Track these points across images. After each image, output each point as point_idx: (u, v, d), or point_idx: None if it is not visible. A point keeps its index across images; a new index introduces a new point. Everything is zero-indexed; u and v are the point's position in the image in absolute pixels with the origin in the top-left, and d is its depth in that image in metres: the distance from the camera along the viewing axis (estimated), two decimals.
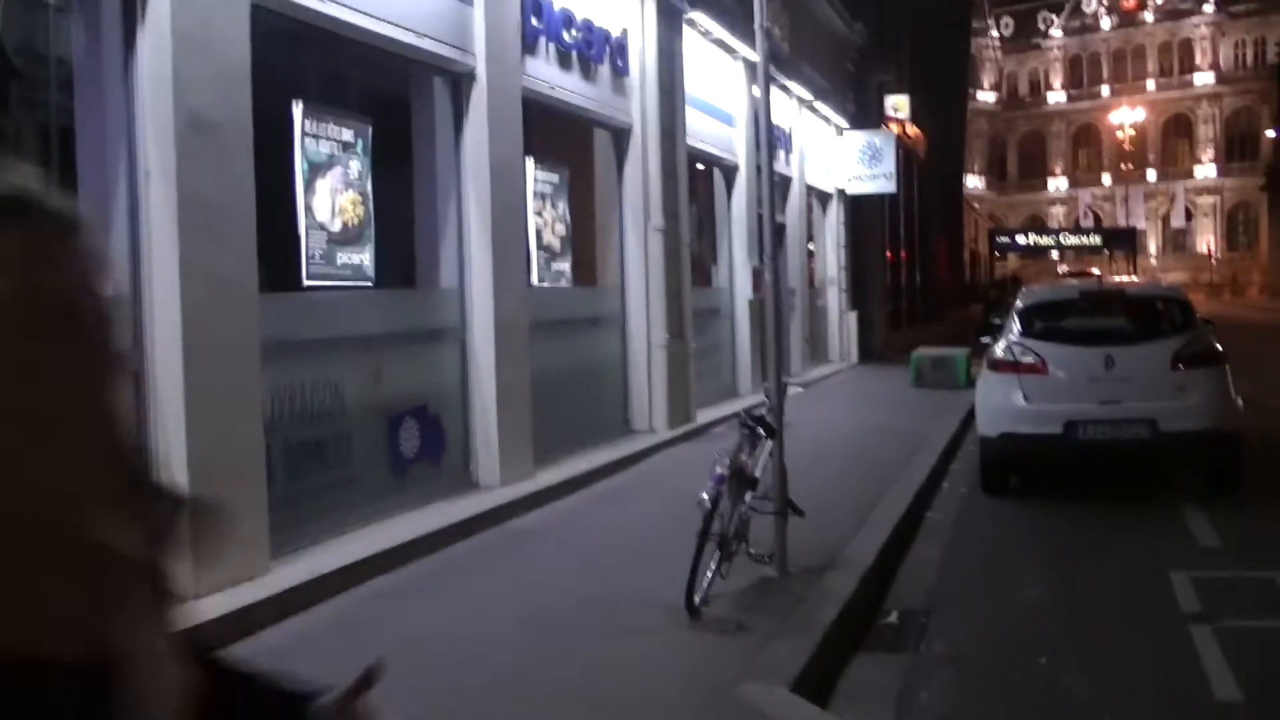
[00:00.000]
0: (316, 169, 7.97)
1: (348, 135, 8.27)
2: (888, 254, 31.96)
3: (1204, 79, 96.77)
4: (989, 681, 6.30)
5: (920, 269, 41.29)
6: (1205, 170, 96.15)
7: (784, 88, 20.45)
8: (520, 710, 5.40)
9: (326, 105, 8.22)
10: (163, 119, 6.40)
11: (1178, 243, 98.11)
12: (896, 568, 8.67)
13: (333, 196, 8.11)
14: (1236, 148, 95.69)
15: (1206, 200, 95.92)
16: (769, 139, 8.31)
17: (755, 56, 12.11)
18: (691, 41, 15.29)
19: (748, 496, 7.32)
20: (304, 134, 7.84)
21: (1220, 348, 10.94)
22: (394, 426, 9.03)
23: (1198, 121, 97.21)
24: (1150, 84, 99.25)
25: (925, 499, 10.99)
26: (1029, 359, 10.85)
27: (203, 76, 6.61)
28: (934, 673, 6.41)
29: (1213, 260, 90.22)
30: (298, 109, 7.81)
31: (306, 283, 7.94)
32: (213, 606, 6.40)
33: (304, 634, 6.53)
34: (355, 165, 8.36)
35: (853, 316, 26.18)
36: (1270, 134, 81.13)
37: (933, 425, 15.11)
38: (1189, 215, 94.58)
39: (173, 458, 6.47)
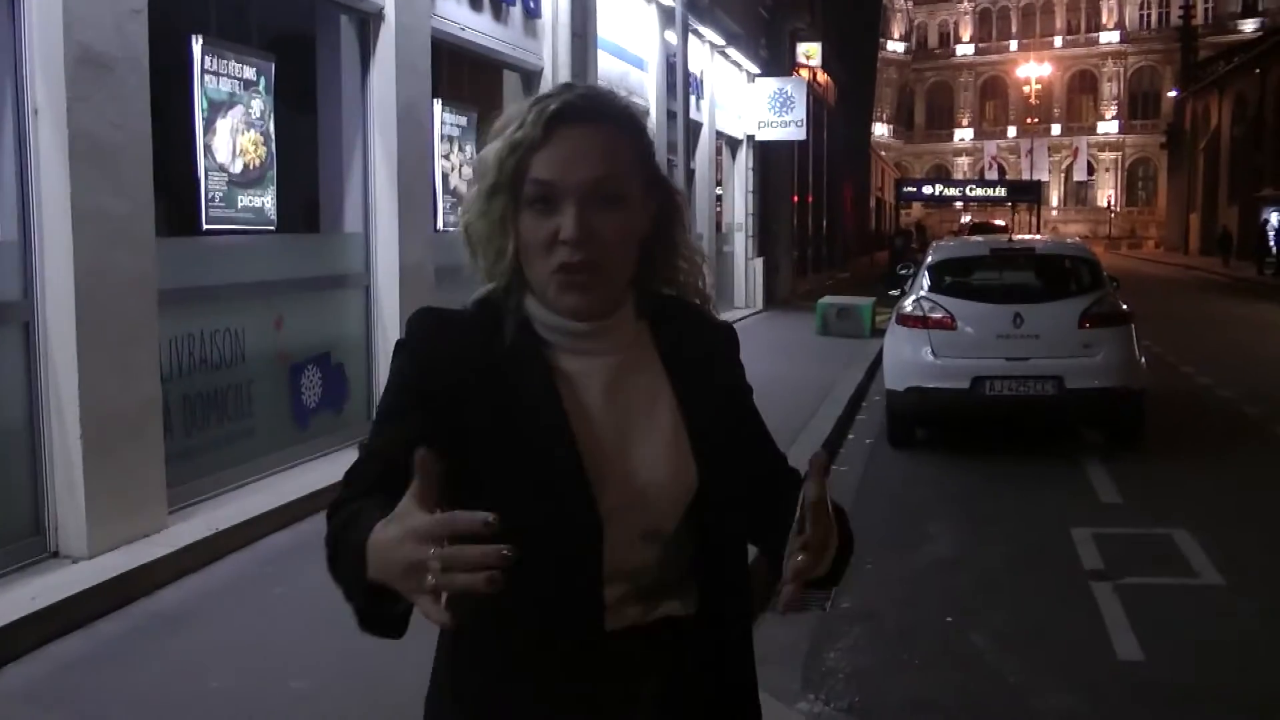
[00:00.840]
0: (216, 108, 7.68)
1: (249, 73, 7.98)
2: (794, 198, 32.01)
3: (1109, 37, 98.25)
4: (896, 640, 6.30)
5: (828, 216, 41.51)
6: (1108, 126, 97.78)
7: (697, 33, 20.28)
8: (427, 675, 5.27)
9: (227, 41, 7.90)
10: (51, 54, 6.08)
11: (1079, 196, 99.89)
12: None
13: (233, 137, 7.83)
14: (1139, 105, 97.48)
15: (1108, 155, 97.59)
16: (685, 86, 8.17)
17: (670, 1, 11.98)
18: None
19: None
20: (203, 71, 7.53)
21: (1126, 307, 11.05)
22: (295, 375, 8.81)
23: (1102, 79, 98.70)
24: (1058, 40, 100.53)
25: (831, 451, 10.99)
26: (938, 314, 10.87)
27: (95, 9, 6.29)
28: (841, 631, 6.39)
29: (1112, 214, 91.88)
30: (197, 44, 7.49)
31: (206, 227, 7.67)
32: (109, 565, 6.23)
33: (203, 592, 6.36)
34: (257, 105, 8.07)
35: (759, 263, 26.19)
36: (1171, 94, 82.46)
37: (838, 375, 15.14)
38: (1091, 170, 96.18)
39: (65, 410, 6.23)
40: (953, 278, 11.60)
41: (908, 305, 11.30)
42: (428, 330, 1.87)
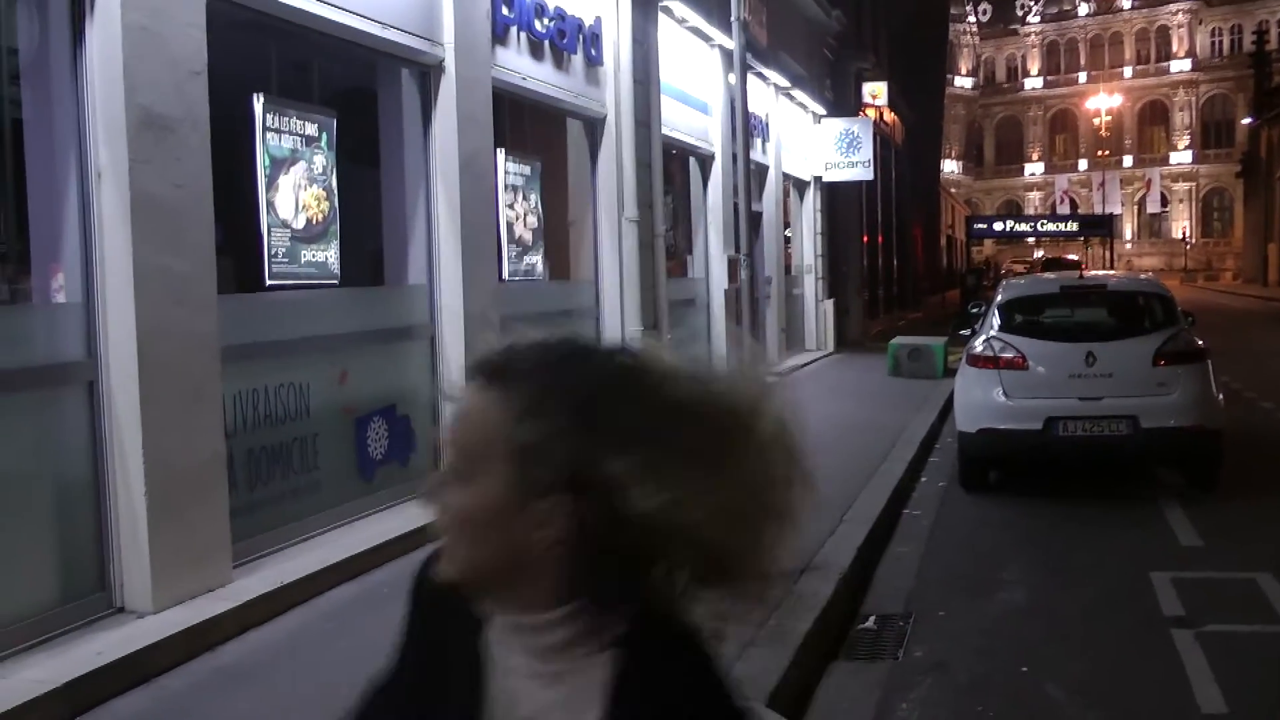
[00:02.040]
0: (279, 164, 7.74)
1: (311, 129, 8.04)
2: (864, 238, 31.87)
3: (1180, 66, 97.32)
4: (968, 691, 6.15)
5: (898, 256, 41.29)
6: (1181, 156, 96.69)
7: (761, 75, 20.27)
8: None
9: (289, 98, 7.98)
10: (113, 116, 6.16)
11: (1153, 228, 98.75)
12: (874, 569, 8.53)
13: (296, 193, 7.88)
14: (1212, 134, 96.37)
15: (1182, 186, 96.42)
16: (746, 128, 8.12)
17: (731, 44, 11.97)
18: (666, 30, 15.08)
19: None
20: (265, 128, 7.61)
21: (1202, 344, 10.83)
22: (360, 428, 8.83)
23: (1174, 108, 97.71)
24: (1127, 71, 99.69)
25: (903, 495, 10.86)
26: (1009, 354, 10.71)
27: (156, 71, 6.37)
28: (913, 682, 6.26)
29: (1187, 246, 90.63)
30: (258, 103, 7.57)
31: (269, 282, 7.71)
32: (173, 620, 6.24)
33: (267, 647, 6.34)
34: (319, 160, 8.13)
35: (829, 304, 26.04)
36: (1246, 121, 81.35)
37: (910, 417, 14.98)
38: (1164, 201, 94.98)
39: (129, 467, 6.26)
40: (1023, 316, 11.44)
41: (978, 345, 11.14)
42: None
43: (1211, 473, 10.69)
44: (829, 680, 6.39)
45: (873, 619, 7.39)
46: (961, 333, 12.69)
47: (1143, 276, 13.29)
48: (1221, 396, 10.81)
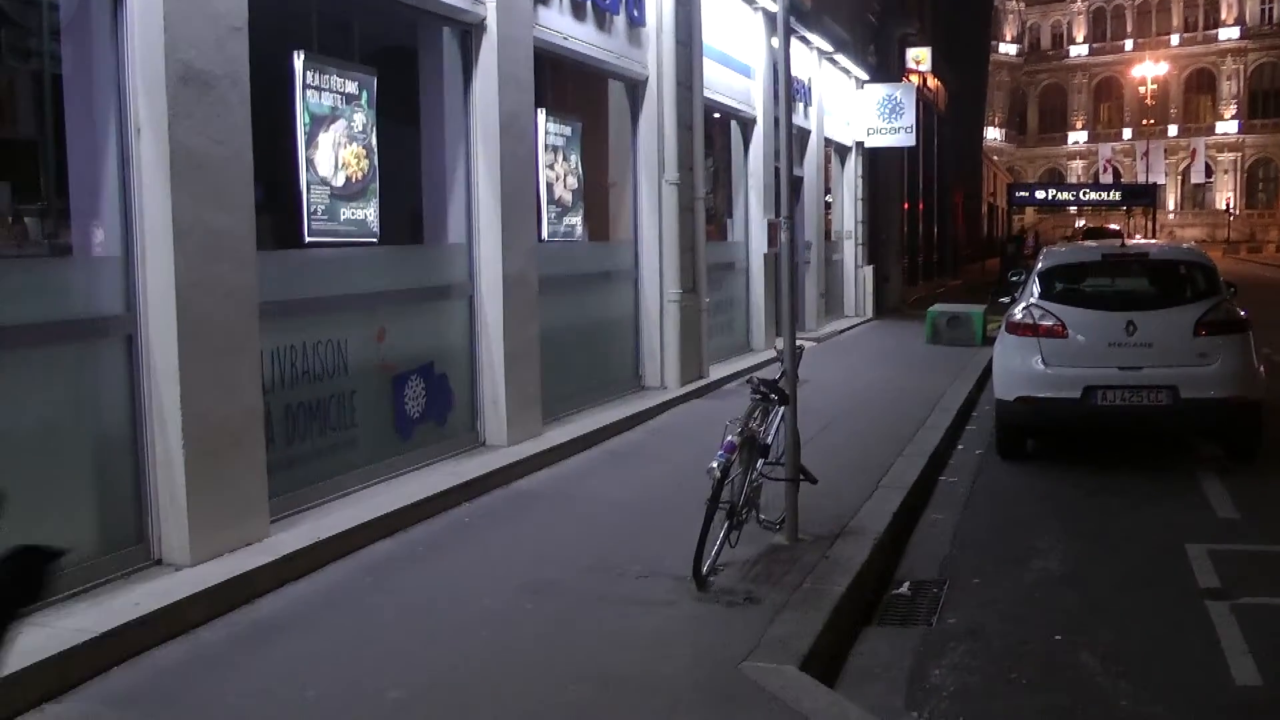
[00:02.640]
0: (319, 122, 7.74)
1: (351, 87, 8.04)
2: (904, 205, 31.67)
3: (1229, 34, 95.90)
4: (1002, 658, 6.13)
5: (938, 223, 41.04)
6: (1227, 126, 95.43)
7: (804, 39, 20.13)
8: (525, 688, 5.25)
9: (329, 56, 7.97)
10: (154, 71, 6.17)
11: (1196, 199, 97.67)
12: (909, 535, 8.51)
13: (335, 150, 7.89)
14: (1260, 104, 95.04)
15: (1227, 156, 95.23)
16: (788, 92, 8.07)
17: (775, 7, 11.86)
18: None
19: (759, 464, 7.15)
20: (305, 86, 7.61)
21: (1244, 314, 10.71)
22: (399, 386, 8.86)
23: (1221, 77, 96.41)
24: (1174, 38, 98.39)
25: (940, 462, 10.82)
26: (1048, 322, 10.62)
27: (196, 26, 6.37)
28: (946, 648, 6.25)
29: (1230, 217, 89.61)
30: (298, 60, 7.57)
31: (308, 239, 7.73)
32: (210, 573, 6.29)
33: (303, 601, 6.40)
34: (359, 118, 8.13)
35: (869, 270, 25.95)
36: None
37: (948, 384, 14.93)
38: (1209, 171, 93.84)
39: (167, 421, 6.31)
40: (1064, 284, 11.33)
41: (1018, 313, 11.06)
42: None
43: (1251, 445, 10.60)
44: (862, 644, 6.39)
45: (907, 584, 7.38)
46: (1001, 300, 12.58)
47: (1185, 246, 13.11)
48: (1263, 368, 10.70)
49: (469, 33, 9.54)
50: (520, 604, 6.36)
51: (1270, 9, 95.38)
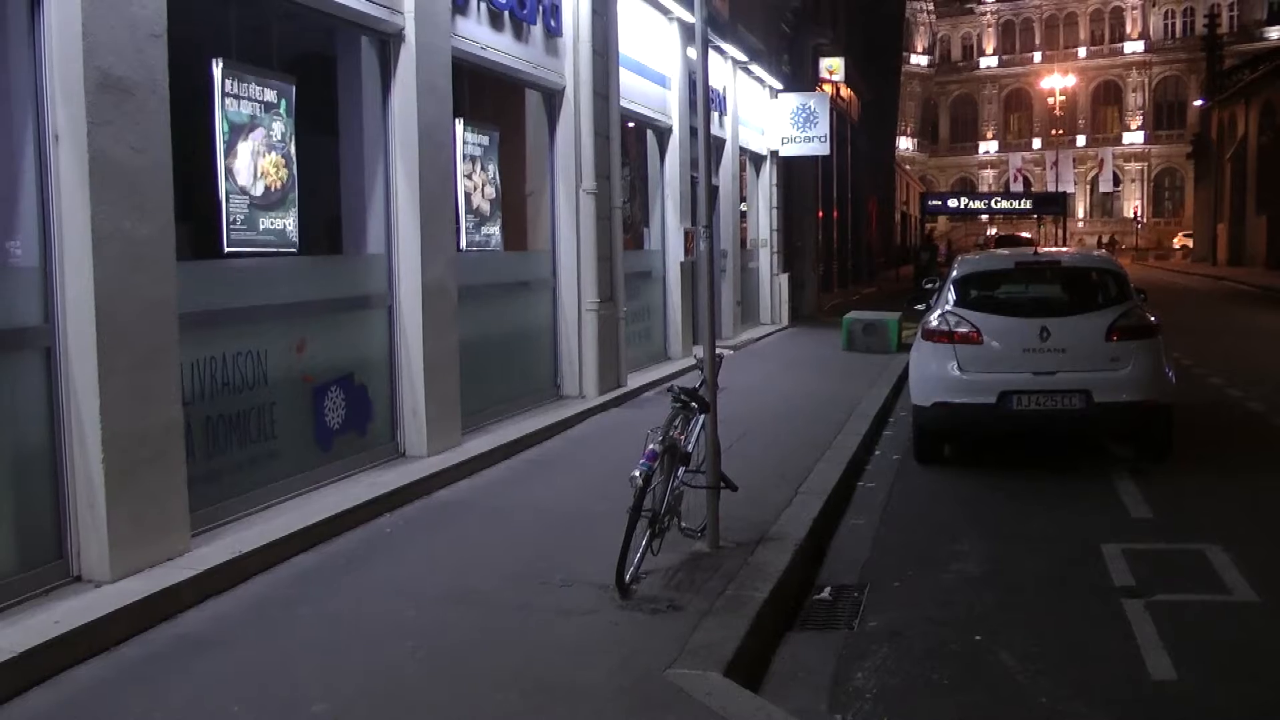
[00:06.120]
0: (237, 130, 7.68)
1: (270, 95, 7.98)
2: (819, 213, 31.95)
3: (1134, 47, 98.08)
4: (924, 659, 6.21)
5: (853, 231, 41.45)
6: (1133, 137, 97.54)
7: (719, 49, 20.26)
8: (451, 696, 5.25)
9: (248, 64, 7.90)
10: (72, 78, 6.10)
11: (1105, 207, 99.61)
12: (830, 540, 8.60)
13: (254, 159, 7.83)
14: (1165, 116, 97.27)
15: (1134, 166, 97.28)
16: (706, 101, 8.12)
17: (690, 17, 11.96)
18: (626, 2, 15.03)
19: (680, 472, 7.19)
20: (224, 94, 7.54)
21: (1154, 319, 10.95)
22: (319, 397, 8.80)
23: (1127, 89, 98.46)
24: (1081, 51, 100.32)
25: (858, 468, 10.94)
26: (964, 328, 10.78)
27: (115, 33, 6.30)
28: (868, 651, 6.33)
29: (1138, 224, 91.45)
30: (217, 68, 7.50)
31: (227, 249, 7.66)
32: (131, 589, 6.22)
33: (226, 615, 6.34)
34: (278, 127, 8.08)
35: (784, 278, 26.13)
36: (1197, 103, 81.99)
37: (865, 391, 15.08)
38: (1117, 180, 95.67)
39: (86, 434, 6.23)
40: (978, 291, 11.50)
41: (933, 320, 11.21)
42: None
43: (1162, 446, 10.85)
44: (785, 649, 6.45)
45: (828, 589, 7.45)
46: (916, 307, 12.75)
47: (1096, 253, 13.37)
48: (1172, 372, 10.94)
49: (387, 42, 9.51)
50: (443, 614, 6.36)
51: (1173, 24, 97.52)
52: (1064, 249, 24.36)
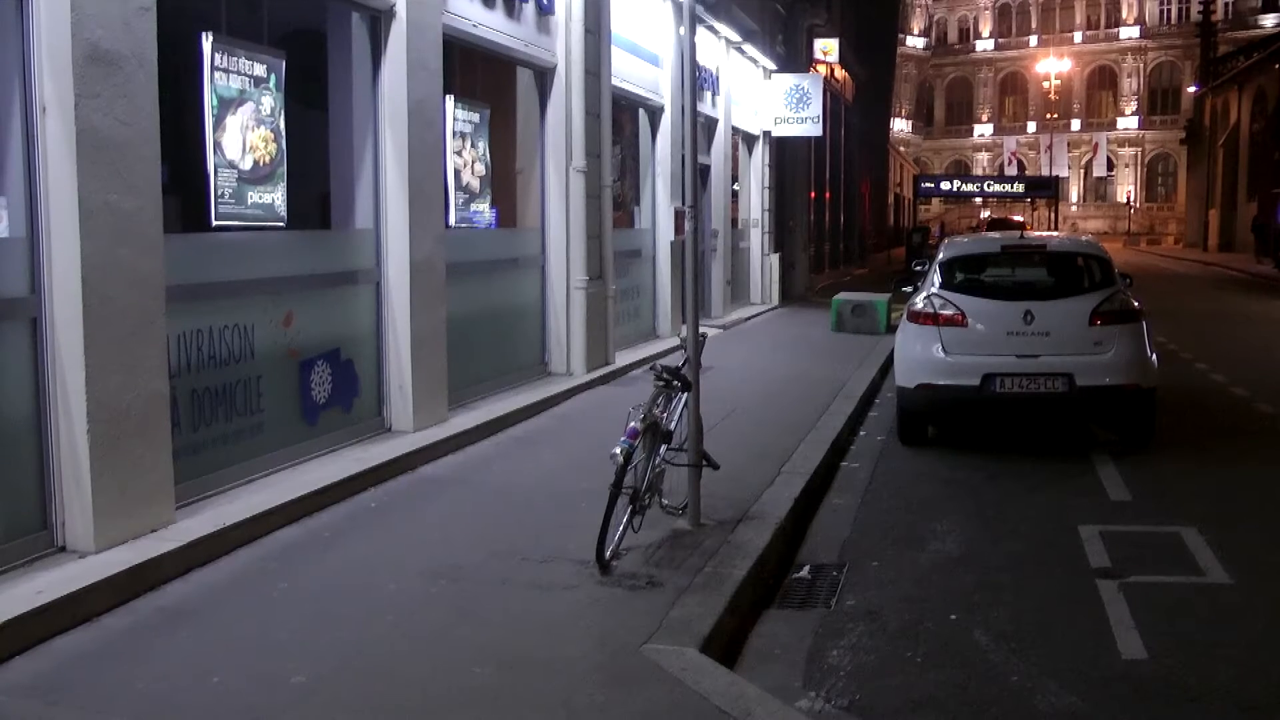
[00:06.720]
0: (226, 104, 7.71)
1: (260, 70, 8.01)
2: (811, 194, 31.97)
3: (1129, 33, 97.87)
4: (899, 638, 6.28)
5: (845, 212, 41.45)
6: (1127, 122, 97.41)
7: (712, 29, 20.27)
8: (429, 671, 5.31)
9: (238, 38, 7.93)
10: (59, 51, 6.12)
11: (1099, 192, 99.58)
12: (810, 520, 8.67)
13: (243, 133, 7.86)
14: (1159, 101, 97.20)
15: (1128, 151, 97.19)
16: (693, 79, 8.16)
17: None
18: None
19: (662, 449, 7.26)
20: (213, 68, 7.57)
21: (1138, 304, 11.01)
22: (305, 371, 8.85)
23: (1122, 74, 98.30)
24: (1077, 36, 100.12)
25: (842, 448, 11.01)
26: (948, 311, 10.84)
27: (103, 6, 6.32)
28: (844, 630, 6.40)
29: (1131, 210, 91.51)
30: (207, 41, 7.53)
31: (215, 223, 7.69)
32: (115, 560, 6.27)
33: (209, 587, 6.40)
34: (268, 101, 8.11)
35: (775, 259, 26.17)
36: (1191, 89, 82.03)
37: (851, 372, 15.15)
38: (1110, 165, 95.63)
39: (72, 406, 6.27)
40: (964, 275, 11.57)
41: (919, 302, 11.27)
42: None
43: (1144, 430, 10.93)
44: (762, 627, 6.51)
45: (807, 568, 7.52)
46: (905, 289, 12.80)
47: (1083, 238, 13.43)
48: (1156, 356, 11.00)
49: (378, 18, 9.53)
50: (424, 589, 6.42)
51: (1168, 10, 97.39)
52: (1051, 233, 24.42)
